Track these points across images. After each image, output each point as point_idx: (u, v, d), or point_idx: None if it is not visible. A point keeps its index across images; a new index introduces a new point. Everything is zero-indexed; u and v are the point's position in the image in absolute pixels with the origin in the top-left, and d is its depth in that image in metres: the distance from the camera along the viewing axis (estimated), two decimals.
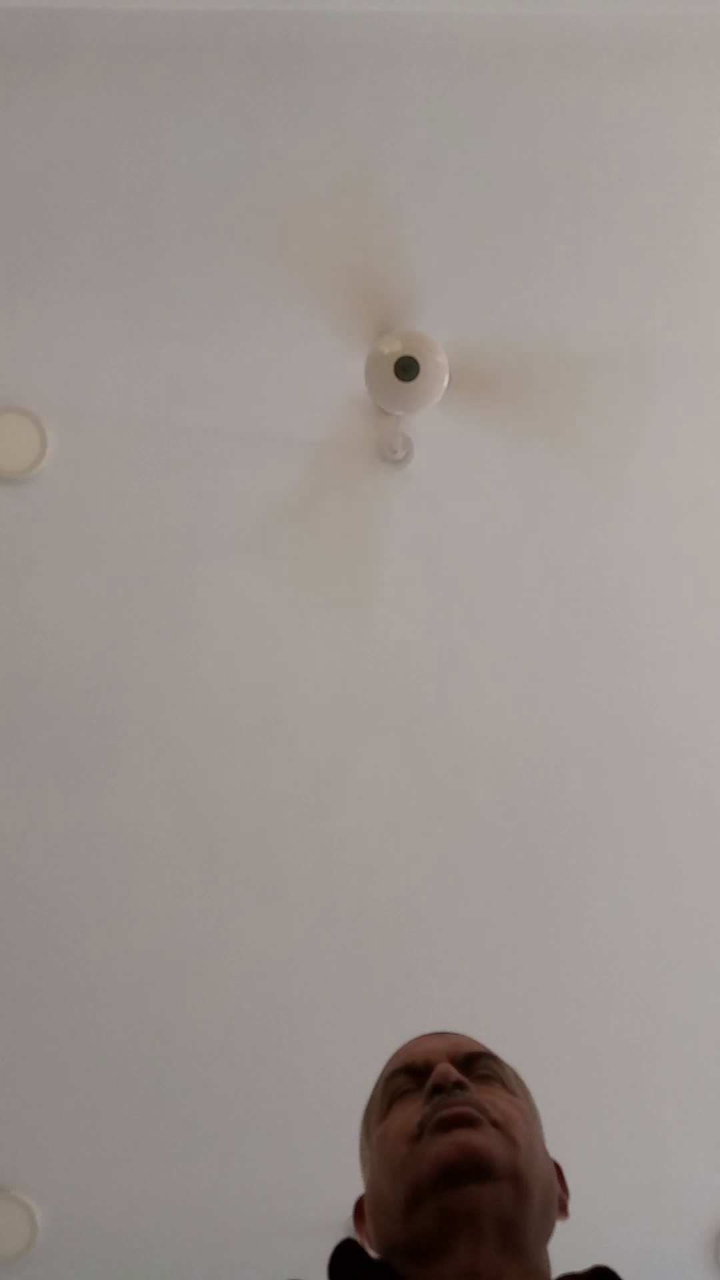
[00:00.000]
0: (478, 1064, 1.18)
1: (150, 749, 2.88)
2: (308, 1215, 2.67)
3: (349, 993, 2.88)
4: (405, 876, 2.91)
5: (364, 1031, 2.80)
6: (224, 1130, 2.92)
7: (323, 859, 2.90)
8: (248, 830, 2.89)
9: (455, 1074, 1.12)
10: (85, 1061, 2.91)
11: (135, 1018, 2.90)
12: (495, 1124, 1.09)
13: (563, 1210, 1.14)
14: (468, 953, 2.90)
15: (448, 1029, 1.25)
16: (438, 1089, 1.11)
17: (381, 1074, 1.22)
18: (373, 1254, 1.09)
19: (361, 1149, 1.21)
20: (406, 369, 2.49)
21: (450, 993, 2.85)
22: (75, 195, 2.82)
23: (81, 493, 2.85)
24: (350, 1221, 1.21)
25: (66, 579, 2.86)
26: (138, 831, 2.88)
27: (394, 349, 2.51)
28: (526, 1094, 1.21)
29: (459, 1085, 1.11)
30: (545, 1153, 1.14)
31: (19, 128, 2.81)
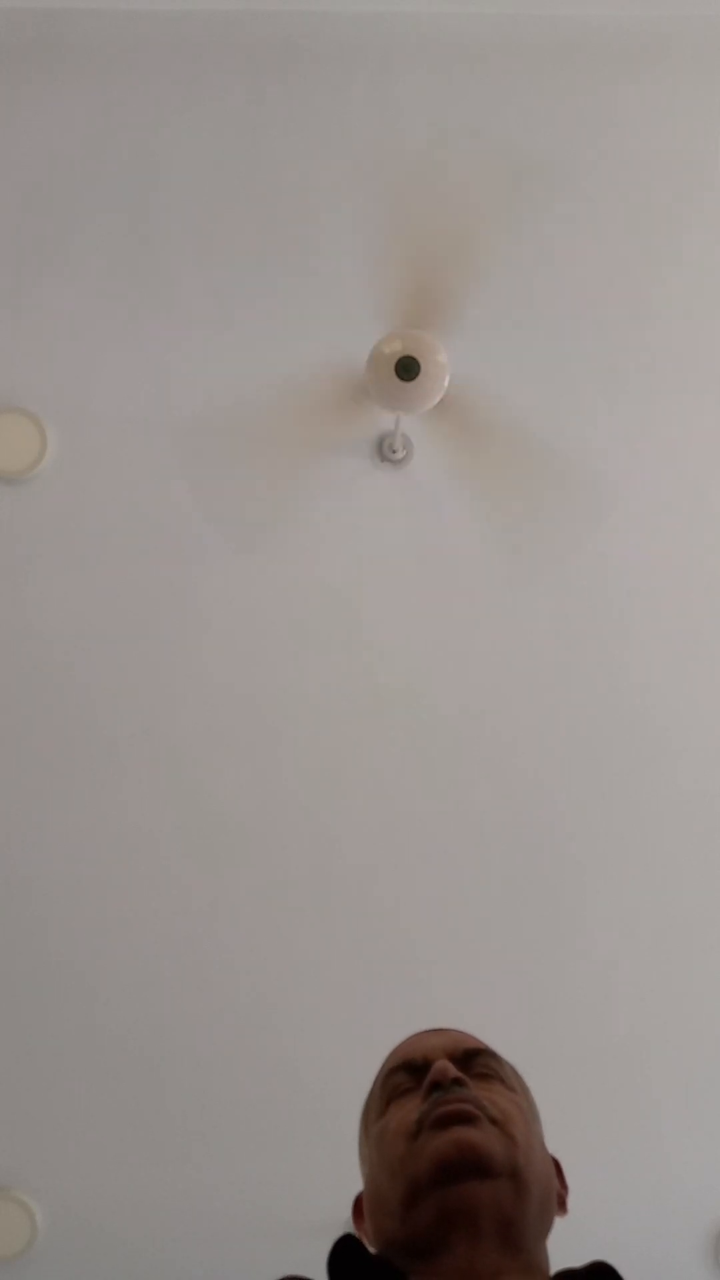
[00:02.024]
0: (476, 1061, 1.17)
1: (150, 748, 2.88)
2: (308, 1215, 2.66)
3: (349, 992, 2.88)
4: (405, 876, 2.91)
5: (364, 1031, 2.79)
6: (224, 1130, 2.92)
7: (323, 859, 2.90)
8: (248, 831, 2.89)
9: (454, 1071, 1.12)
10: (85, 1061, 2.91)
11: (135, 1018, 2.90)
12: (494, 1121, 1.09)
13: (561, 1206, 1.14)
14: (468, 953, 2.90)
15: (446, 1026, 1.25)
16: (436, 1086, 1.11)
17: (380, 1071, 1.22)
18: (372, 1250, 1.09)
19: (360, 1146, 1.21)
20: (407, 369, 2.49)
21: (450, 993, 2.85)
22: (75, 195, 2.82)
23: (81, 493, 2.85)
24: (350, 1220, 1.21)
25: (67, 579, 2.86)
26: (138, 831, 2.88)
27: (394, 349, 2.51)
28: (525, 1091, 1.21)
29: (457, 1082, 1.11)
30: (544, 1149, 1.14)
31: (19, 128, 2.81)
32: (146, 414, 2.83)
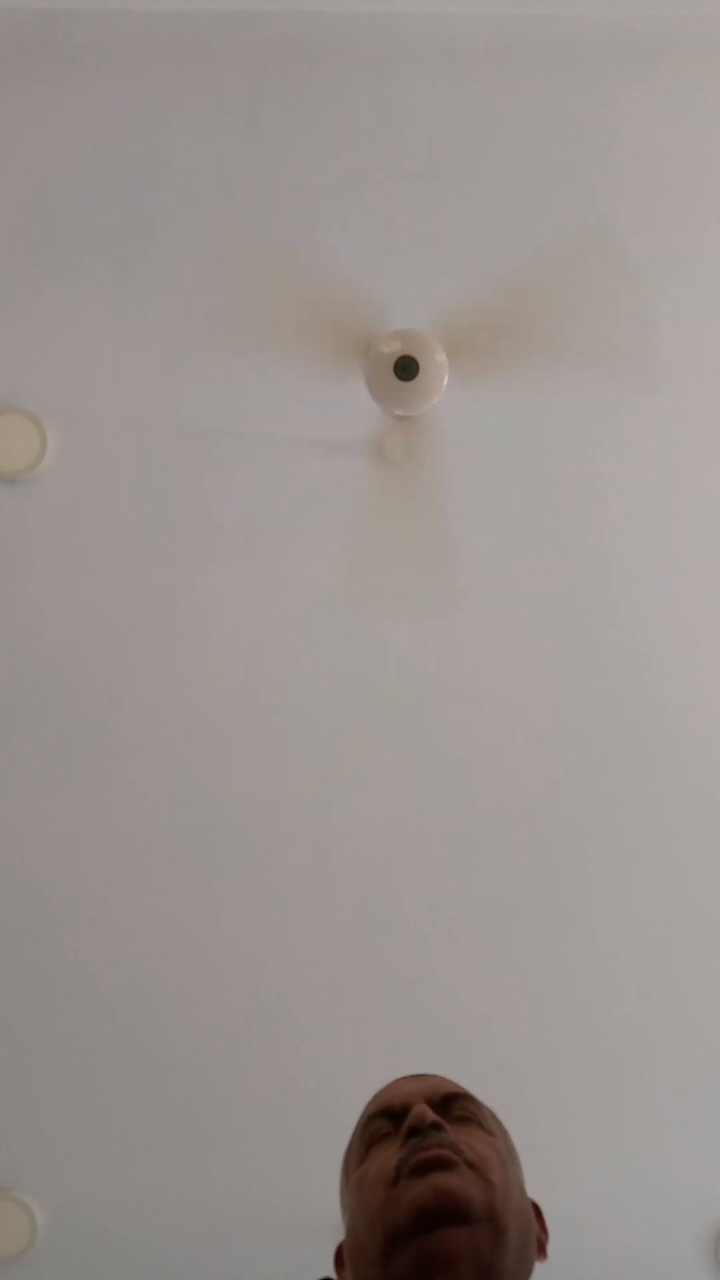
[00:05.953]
0: (455, 1105, 1.17)
1: (150, 748, 2.88)
2: (308, 1215, 2.66)
3: (349, 992, 2.88)
4: (405, 876, 2.91)
5: (364, 1031, 2.80)
6: (224, 1130, 2.92)
7: (323, 859, 2.90)
8: (248, 830, 2.89)
9: (431, 1115, 1.12)
10: (85, 1061, 2.91)
11: (135, 1018, 2.90)
12: (471, 1165, 1.08)
13: (541, 1251, 1.13)
14: (468, 952, 2.90)
15: (426, 1071, 1.25)
16: (414, 1131, 1.11)
17: (360, 1118, 1.21)
18: None
19: (341, 1194, 1.20)
20: (406, 368, 2.49)
21: (450, 993, 2.85)
22: (75, 195, 2.82)
23: (81, 493, 2.85)
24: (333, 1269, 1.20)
25: (67, 579, 2.86)
26: (138, 831, 2.88)
27: (394, 348, 2.51)
28: (504, 1134, 1.20)
29: (435, 1126, 1.11)
30: (523, 1193, 1.14)
31: (19, 128, 2.81)
32: (146, 414, 2.83)
